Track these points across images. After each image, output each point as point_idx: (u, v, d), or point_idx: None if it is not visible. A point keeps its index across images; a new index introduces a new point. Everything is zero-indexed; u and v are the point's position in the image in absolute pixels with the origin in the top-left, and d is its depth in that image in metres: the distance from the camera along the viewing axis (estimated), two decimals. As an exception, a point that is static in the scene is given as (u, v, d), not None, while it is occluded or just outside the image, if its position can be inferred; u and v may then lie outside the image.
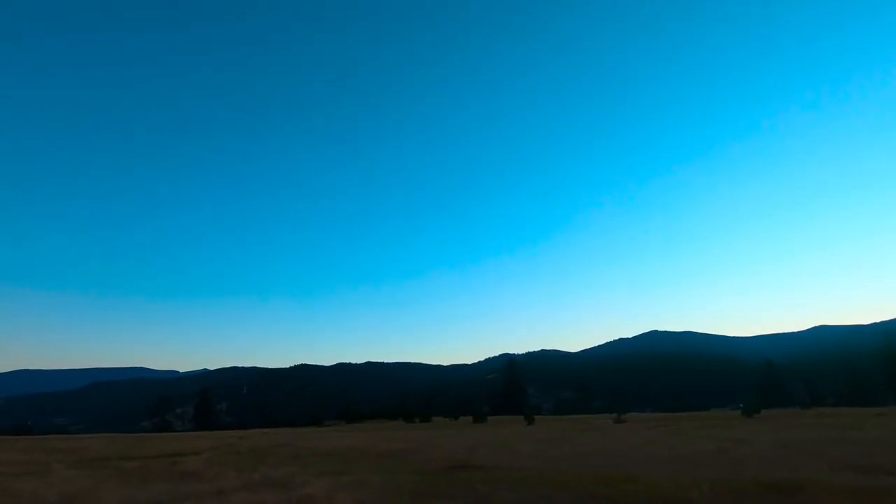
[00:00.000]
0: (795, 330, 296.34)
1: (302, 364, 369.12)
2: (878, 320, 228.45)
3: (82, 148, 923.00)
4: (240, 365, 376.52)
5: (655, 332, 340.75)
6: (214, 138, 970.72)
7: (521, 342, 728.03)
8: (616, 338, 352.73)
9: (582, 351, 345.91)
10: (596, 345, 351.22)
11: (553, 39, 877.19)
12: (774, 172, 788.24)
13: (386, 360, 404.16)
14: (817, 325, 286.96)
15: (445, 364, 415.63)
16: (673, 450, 19.60)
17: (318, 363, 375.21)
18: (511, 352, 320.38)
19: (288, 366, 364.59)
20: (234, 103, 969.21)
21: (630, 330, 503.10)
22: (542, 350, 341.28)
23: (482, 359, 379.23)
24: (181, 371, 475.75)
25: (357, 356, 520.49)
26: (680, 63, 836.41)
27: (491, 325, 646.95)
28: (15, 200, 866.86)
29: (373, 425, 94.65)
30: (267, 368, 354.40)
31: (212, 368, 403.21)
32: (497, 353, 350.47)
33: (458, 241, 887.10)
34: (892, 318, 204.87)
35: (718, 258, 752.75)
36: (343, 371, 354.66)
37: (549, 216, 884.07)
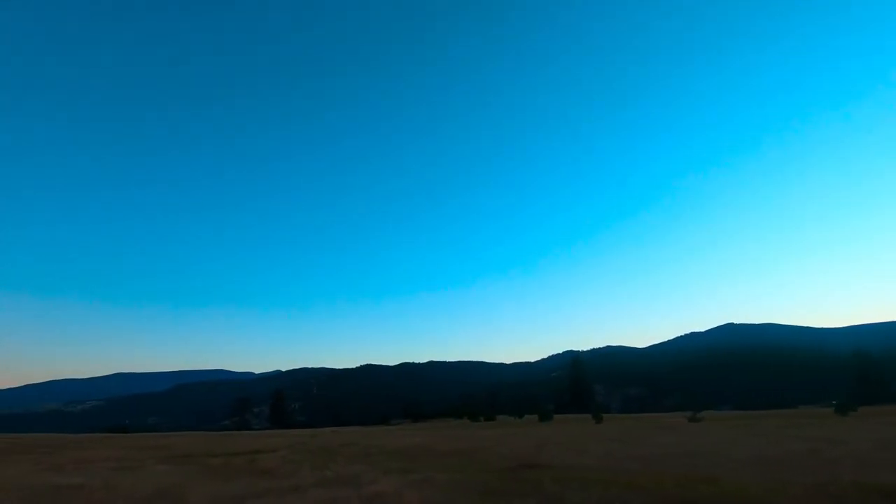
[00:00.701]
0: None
1: (367, 364, 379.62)
2: None
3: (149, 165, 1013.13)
4: (310, 366, 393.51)
5: (731, 324, 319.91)
6: (274, 148, 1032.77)
7: (585, 339, 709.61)
8: (687, 332, 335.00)
9: (650, 347, 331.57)
10: (665, 340, 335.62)
11: (590, 50, 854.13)
12: (866, 150, 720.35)
13: (448, 360, 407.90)
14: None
15: (508, 362, 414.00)
16: (757, 450, 18.29)
17: (383, 363, 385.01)
18: (575, 349, 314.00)
19: (354, 366, 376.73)
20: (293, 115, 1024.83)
21: (703, 323, 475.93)
22: (608, 346, 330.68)
23: (545, 356, 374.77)
24: (257, 372, 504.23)
25: (420, 356, 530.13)
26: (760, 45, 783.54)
27: (553, 322, 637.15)
28: (98, 223, 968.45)
29: (438, 424, 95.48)
30: (335, 369, 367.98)
31: (284, 369, 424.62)
32: (560, 351, 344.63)
33: (518, 241, 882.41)
34: None
35: (802, 244, 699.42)
36: (406, 370, 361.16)
37: (609, 209, 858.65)
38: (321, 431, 63.11)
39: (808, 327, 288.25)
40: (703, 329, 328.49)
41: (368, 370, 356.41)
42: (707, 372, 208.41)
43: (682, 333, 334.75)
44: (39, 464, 21.50)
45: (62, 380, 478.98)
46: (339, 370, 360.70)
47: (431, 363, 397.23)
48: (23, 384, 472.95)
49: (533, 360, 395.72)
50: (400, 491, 11.08)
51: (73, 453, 28.57)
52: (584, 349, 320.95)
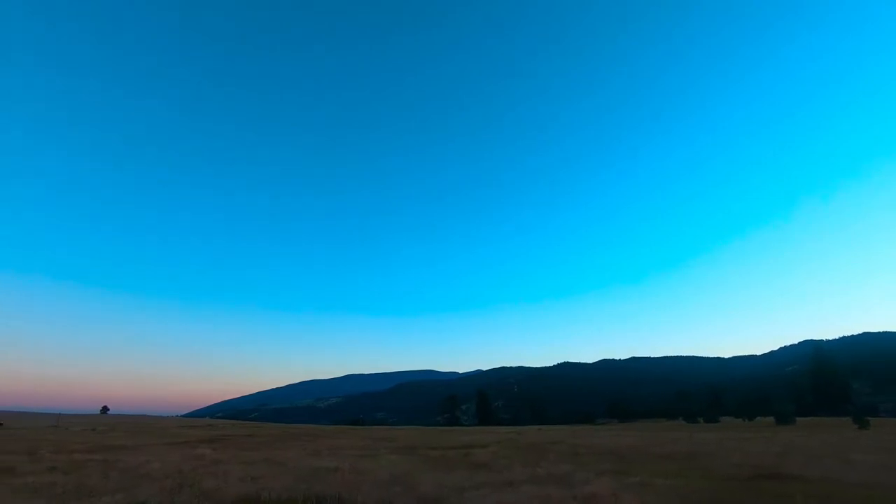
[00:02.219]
0: None
1: (564, 362, 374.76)
2: None
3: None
4: (508, 365, 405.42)
5: None
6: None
7: (831, 325, 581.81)
8: None
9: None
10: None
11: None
12: None
13: (652, 355, 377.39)
14: None
15: (727, 356, 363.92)
16: None
17: (581, 360, 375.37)
18: (816, 338, 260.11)
19: (551, 364, 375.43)
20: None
21: None
22: (866, 333, 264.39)
23: (775, 348, 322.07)
24: (460, 372, 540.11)
25: (620, 352, 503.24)
26: None
27: (784, 306, 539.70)
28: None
29: (648, 424, 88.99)
30: (532, 367, 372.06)
31: (485, 369, 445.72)
32: (796, 341, 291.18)
33: (731, 211, 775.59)
34: None
35: None
36: (606, 368, 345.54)
37: (849, 157, 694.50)
38: (526, 429, 64.26)
39: None
40: None
41: (566, 368, 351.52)
42: None
43: None
44: (305, 449, 26.55)
45: (312, 381, 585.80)
46: (537, 368, 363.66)
47: (633, 359, 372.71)
48: (286, 384, 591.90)
49: (759, 353, 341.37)
50: (616, 493, 10.58)
51: (327, 441, 34.57)
52: (830, 338, 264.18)
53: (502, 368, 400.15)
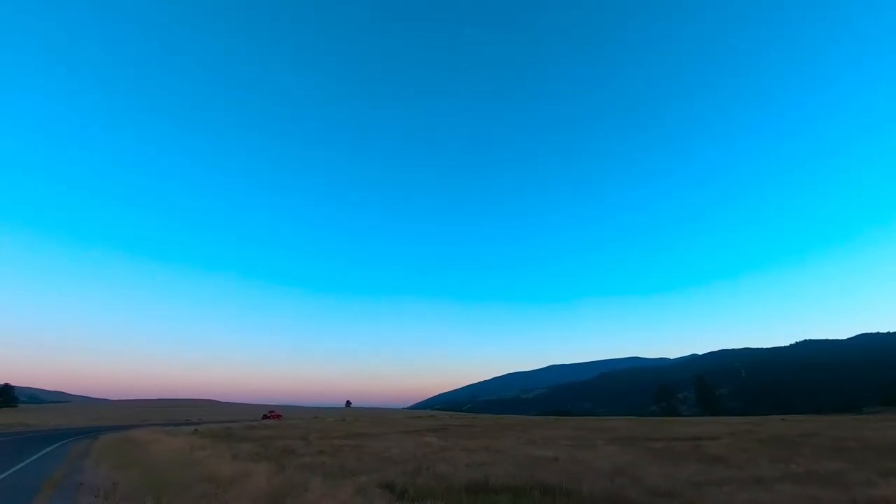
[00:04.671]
0: None
1: (805, 340, 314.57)
2: None
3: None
4: (729, 347, 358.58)
5: None
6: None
7: None
8: None
9: None
10: None
11: None
12: None
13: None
14: None
15: None
16: None
17: (829, 337, 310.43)
18: None
19: (787, 343, 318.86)
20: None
21: None
22: None
23: None
24: (671, 358, 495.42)
25: (885, 324, 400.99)
26: None
27: None
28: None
29: (947, 413, 68.95)
30: (761, 349, 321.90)
31: (700, 353, 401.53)
32: None
33: None
34: None
35: None
36: (867, 344, 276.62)
37: None
38: (766, 419, 55.58)
39: None
40: None
41: (808, 347, 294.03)
42: None
43: None
44: (519, 438, 27.36)
45: (516, 372, 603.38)
46: (768, 349, 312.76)
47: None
48: (492, 377, 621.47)
49: None
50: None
51: (539, 432, 35.09)
52: None
53: (723, 351, 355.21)
